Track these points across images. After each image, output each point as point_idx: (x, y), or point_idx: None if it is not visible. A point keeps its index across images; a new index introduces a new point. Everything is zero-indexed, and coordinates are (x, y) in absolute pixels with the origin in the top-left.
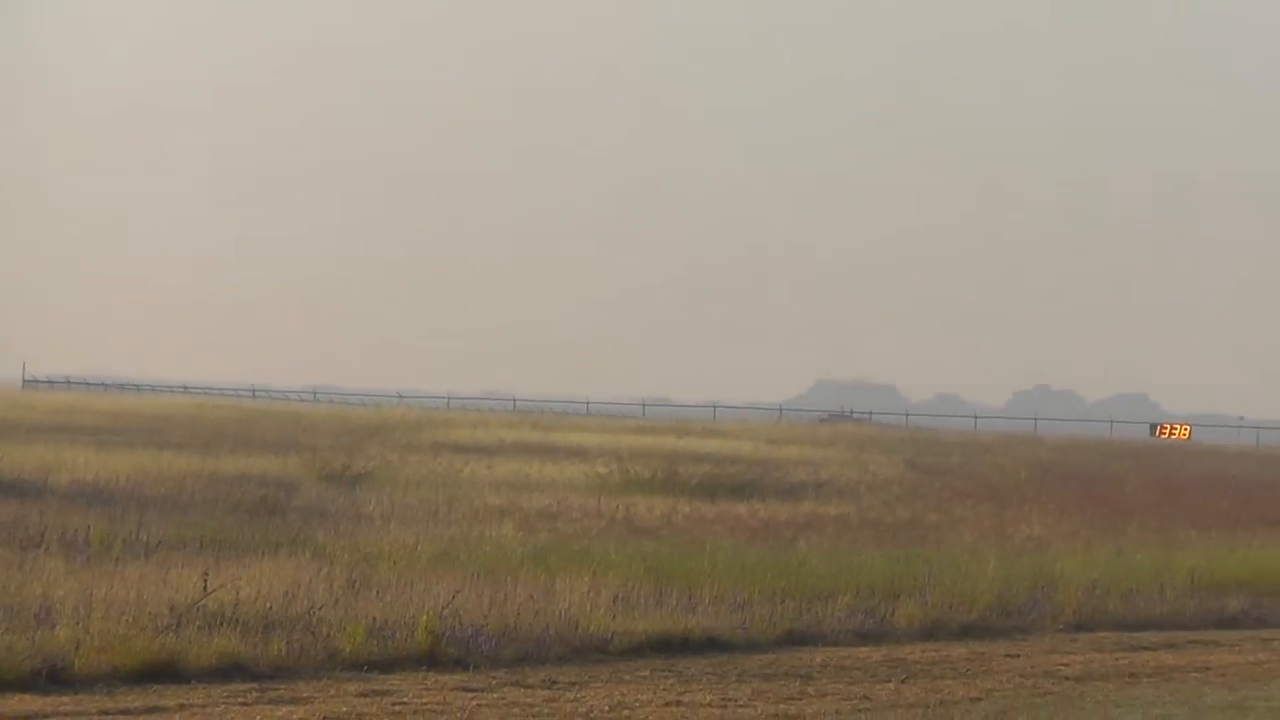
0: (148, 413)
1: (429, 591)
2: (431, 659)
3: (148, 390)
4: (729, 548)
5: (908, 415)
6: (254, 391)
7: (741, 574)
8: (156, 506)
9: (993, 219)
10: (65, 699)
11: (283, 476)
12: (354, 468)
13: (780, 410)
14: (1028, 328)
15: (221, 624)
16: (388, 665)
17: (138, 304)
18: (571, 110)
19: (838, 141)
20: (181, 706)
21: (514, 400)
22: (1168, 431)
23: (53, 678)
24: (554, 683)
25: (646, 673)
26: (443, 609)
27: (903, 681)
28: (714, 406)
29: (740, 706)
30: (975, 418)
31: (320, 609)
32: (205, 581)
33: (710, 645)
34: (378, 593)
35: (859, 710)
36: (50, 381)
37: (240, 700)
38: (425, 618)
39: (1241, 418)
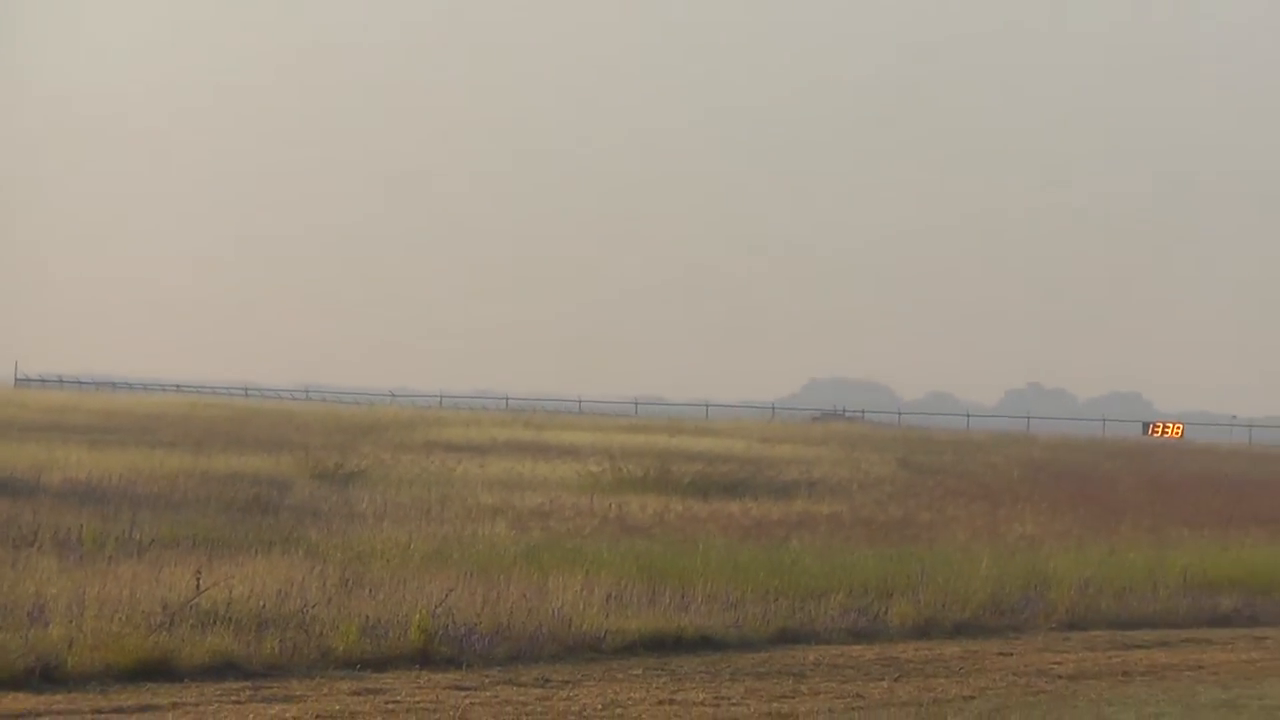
0: (140, 411)
1: (422, 590)
2: (424, 657)
3: (140, 389)
4: (722, 546)
5: (900, 414)
6: (246, 390)
7: (734, 572)
8: (149, 505)
9: (985, 218)
10: (59, 697)
11: (275, 475)
12: (347, 466)
13: (773, 409)
14: (1020, 326)
15: (214, 622)
16: (381, 664)
17: (130, 303)
18: (572, 110)
19: (833, 141)
20: (175, 705)
21: (507, 399)
22: (1160, 430)
23: (46, 676)
24: (547, 681)
25: (639, 671)
26: (436, 607)
27: (896, 680)
28: (706, 405)
29: (733, 705)
30: (968, 416)
31: (313, 607)
32: (198, 580)
33: (703, 644)
34: (370, 591)
35: (852, 709)
36: (43, 380)
37: (233, 699)
38: (418, 616)
39: (1234, 416)
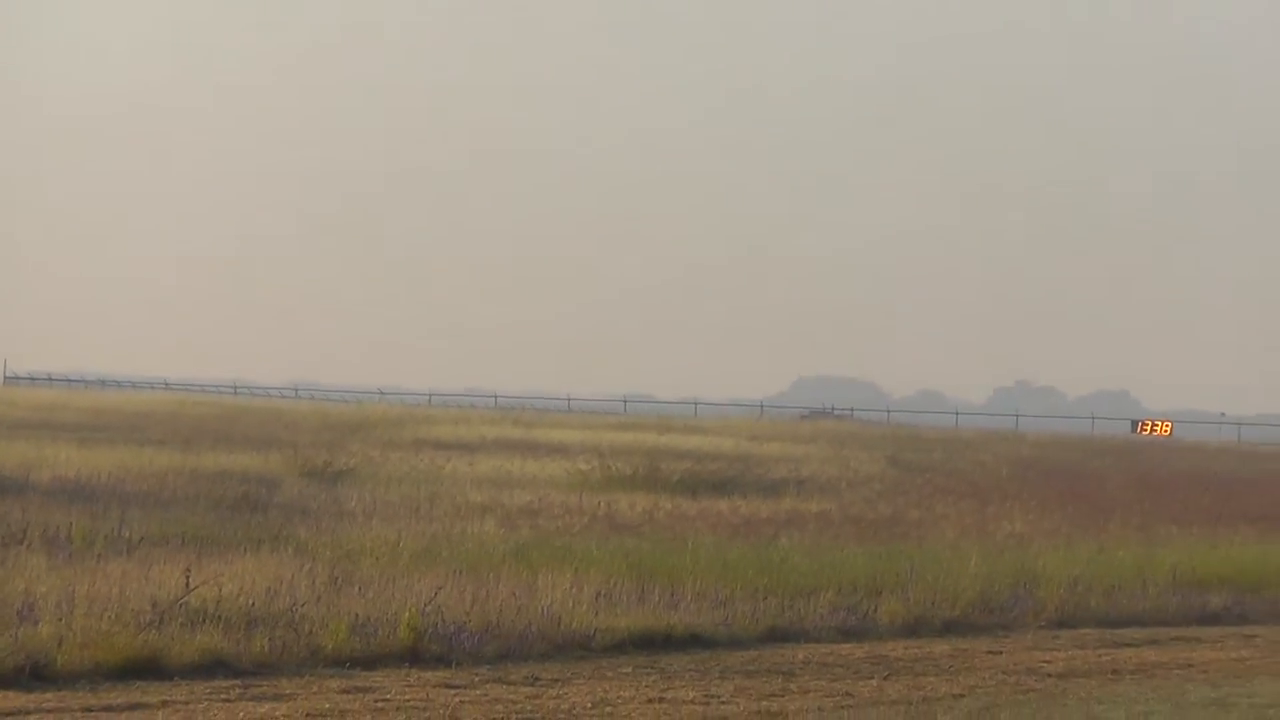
0: (129, 409)
1: (411, 588)
2: (414, 656)
3: (129, 387)
4: (711, 544)
5: (889, 412)
6: (235, 388)
7: (723, 571)
8: (138, 503)
9: (975, 218)
10: (48, 696)
11: (264, 473)
12: (336, 464)
13: (761, 407)
14: (1009, 325)
15: (204, 621)
16: (370, 662)
17: (119, 301)
18: (571, 110)
19: (828, 141)
20: (164, 703)
21: (496, 397)
22: (1149, 428)
23: (35, 674)
24: (536, 679)
25: (629, 670)
26: (425, 606)
27: (885, 678)
28: (695, 403)
29: (723, 703)
30: (956, 414)
31: (302, 606)
32: (187, 578)
33: (693, 642)
34: (360, 589)
35: (841, 707)
36: (32, 378)
37: (223, 697)
38: (407, 614)
39: (1223, 414)
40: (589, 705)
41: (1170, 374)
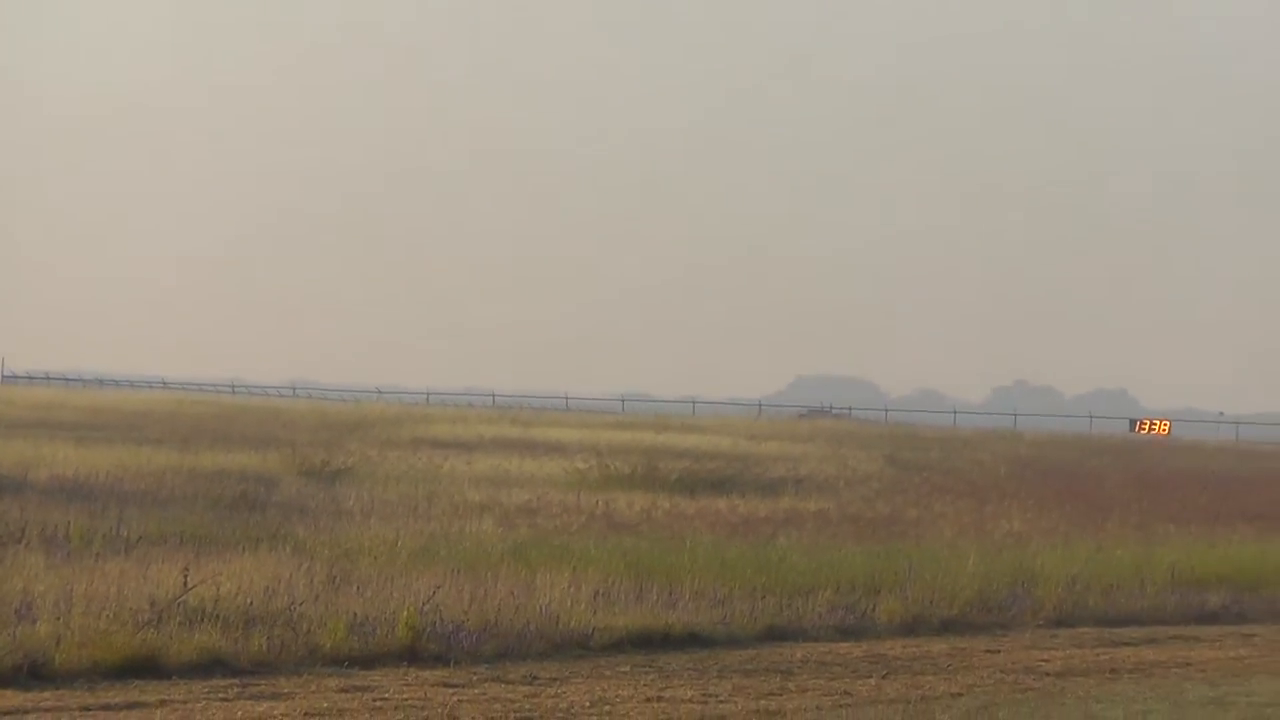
0: (127, 408)
1: (409, 587)
2: (412, 654)
3: (127, 386)
4: (709, 543)
5: (887, 411)
6: (233, 387)
7: (722, 569)
8: (136, 502)
9: (974, 218)
10: (46, 694)
11: (262, 472)
12: (334, 463)
13: (760, 406)
14: (1007, 324)
15: (202, 619)
16: (368, 661)
17: (118, 300)
18: (572, 110)
19: (827, 141)
20: (162, 702)
21: (493, 396)
22: (1147, 427)
23: (34, 673)
24: (535, 678)
25: (627, 668)
26: (423, 605)
27: (883, 677)
28: (693, 402)
29: (721, 702)
30: (955, 413)
31: (301, 605)
32: (186, 577)
33: (691, 641)
34: (358, 588)
35: (840, 706)
36: (29, 377)
37: (221, 696)
38: (406, 613)
39: (1221, 413)
40: (587, 704)
41: (1168, 373)
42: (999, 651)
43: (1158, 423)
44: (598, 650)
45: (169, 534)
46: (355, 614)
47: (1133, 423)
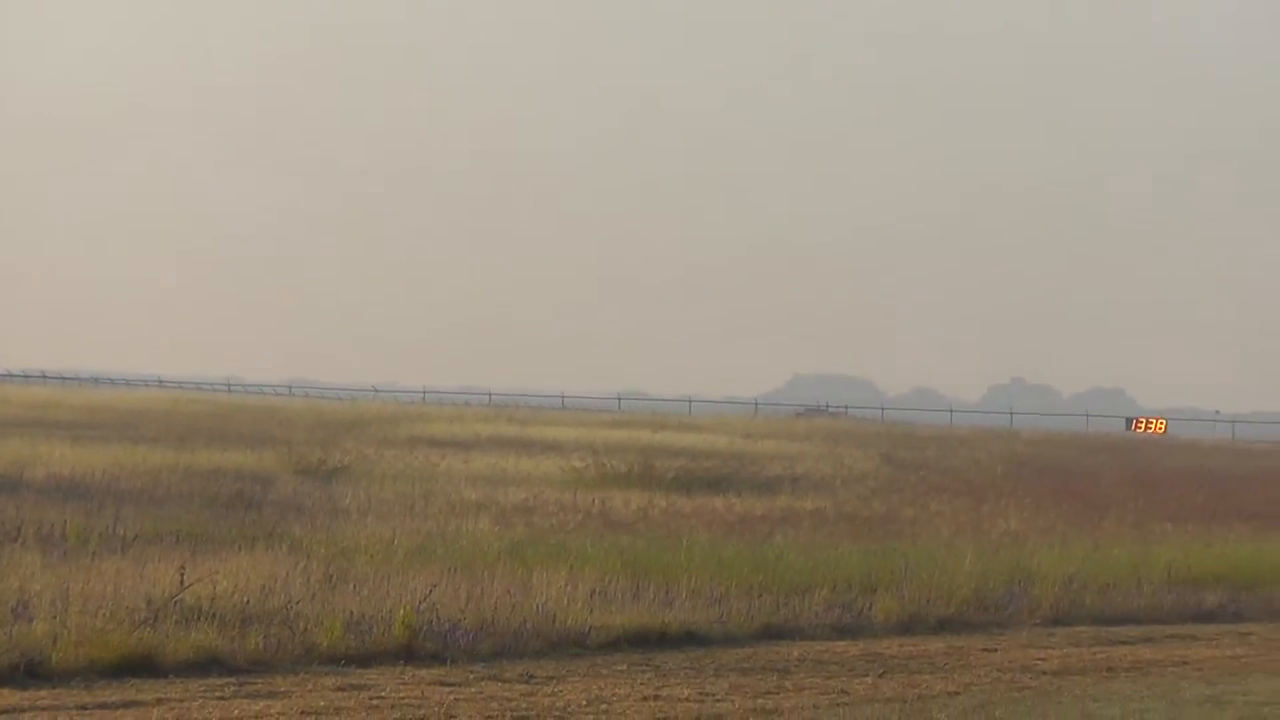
0: (123, 407)
1: (406, 586)
2: (409, 653)
3: (123, 384)
4: (705, 542)
5: (883, 409)
6: (229, 385)
7: (718, 568)
8: (132, 501)
9: (970, 217)
10: (43, 693)
11: (258, 471)
12: (330, 462)
13: (756, 404)
14: (1004, 322)
15: (198, 618)
16: (365, 659)
17: (114, 299)
18: (573, 110)
19: (827, 140)
20: (159, 701)
21: (490, 395)
22: (1143, 425)
23: (30, 672)
24: (531, 677)
25: (624, 667)
26: (420, 603)
27: (880, 676)
28: (689, 400)
29: (718, 701)
30: (951, 412)
31: (297, 603)
32: (182, 576)
33: (688, 639)
34: (355, 587)
35: (837, 704)
36: (25, 375)
37: (218, 694)
38: (402, 612)
39: (1217, 411)
40: (584, 703)
41: (1165, 372)
42: (996, 650)
43: (1154, 421)
44: (594, 649)
45: (165, 533)
46: (352, 613)
47: (1129, 421)
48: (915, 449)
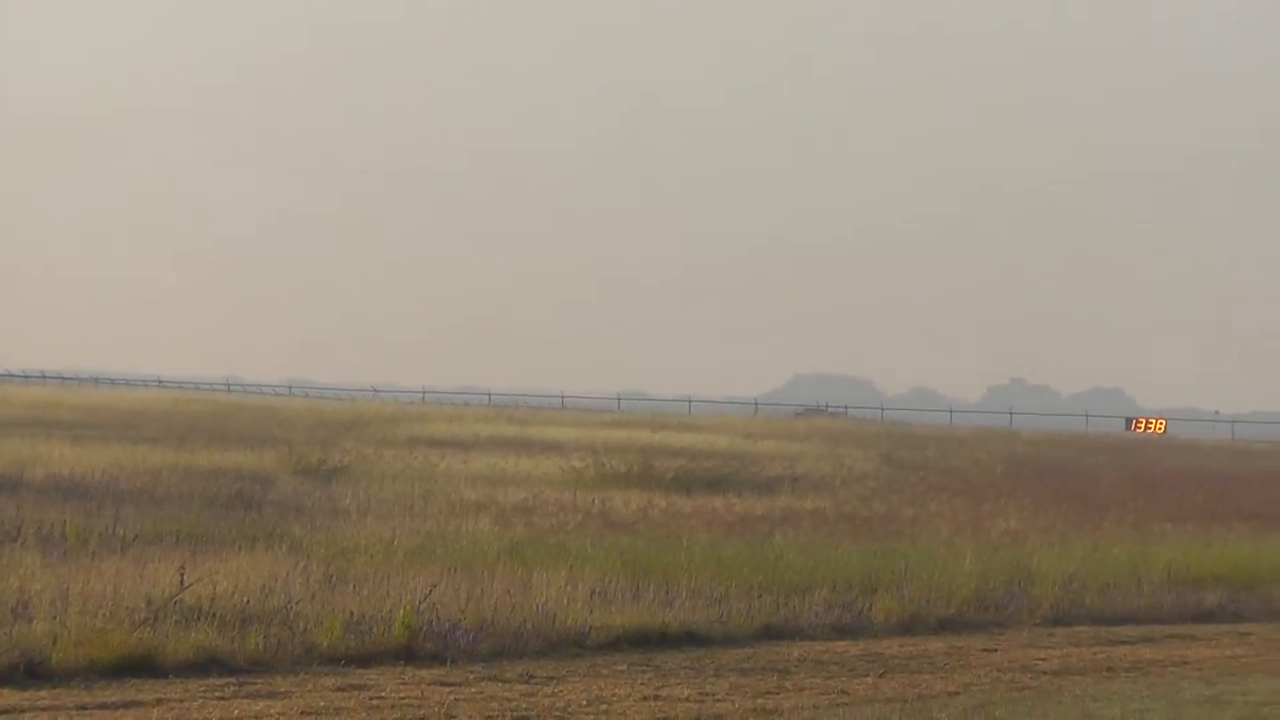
0: (122, 407)
1: (406, 586)
2: (409, 653)
3: (122, 384)
4: (705, 542)
5: (883, 410)
6: (229, 385)
7: (718, 568)
8: (132, 500)
9: (970, 217)
10: (43, 693)
11: (258, 471)
12: (330, 462)
13: (756, 404)
14: (1004, 323)
15: (198, 618)
16: (365, 660)
17: (114, 298)
18: (573, 110)
19: (827, 140)
20: (159, 701)
21: (489, 395)
22: (1143, 425)
23: (30, 672)
24: (531, 677)
25: (624, 667)
26: (420, 603)
27: (880, 676)
28: (689, 400)
29: (718, 701)
30: (951, 412)
31: (297, 603)
32: (182, 576)
33: (688, 639)
34: (354, 587)
35: (837, 704)
36: (25, 375)
37: (218, 695)
38: (402, 612)
39: (1217, 412)
40: (584, 703)
41: (1164, 372)
42: (996, 650)
43: (1154, 421)
44: (594, 649)
45: (165, 533)
46: (352, 613)
47: (1129, 421)
48: (915, 449)
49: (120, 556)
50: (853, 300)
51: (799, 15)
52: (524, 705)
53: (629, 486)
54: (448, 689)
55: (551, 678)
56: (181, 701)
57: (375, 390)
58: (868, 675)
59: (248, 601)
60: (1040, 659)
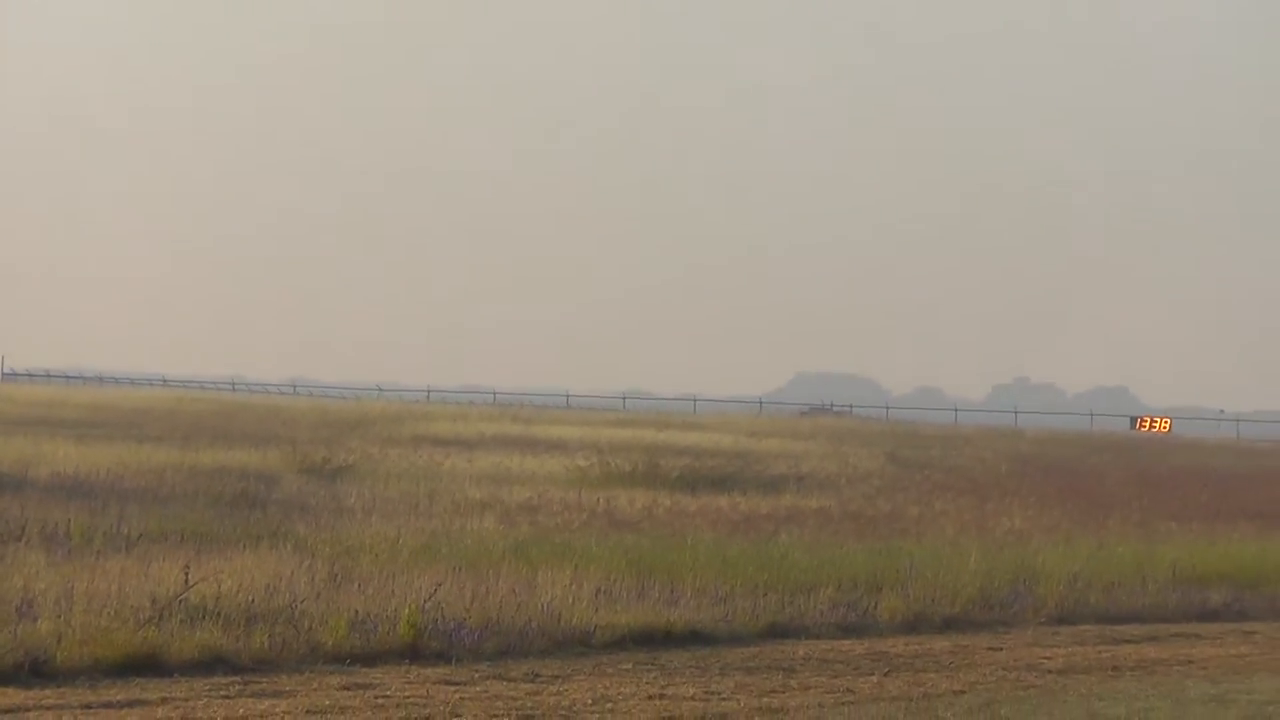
0: (127, 406)
1: (411, 585)
2: (414, 652)
3: (127, 383)
4: (710, 541)
5: (888, 408)
6: (233, 384)
7: (723, 567)
8: (137, 499)
9: (974, 216)
10: (47, 692)
11: (263, 469)
12: (334, 461)
13: (760, 403)
14: (1008, 322)
15: (203, 617)
16: (370, 658)
17: (118, 297)
18: (572, 109)
19: (827, 139)
20: (163, 700)
21: (494, 393)
22: (1148, 424)
23: (34, 671)
24: (536, 676)
25: (629, 666)
26: (424, 602)
27: (885, 674)
28: (694, 399)
29: (723, 700)
30: (955, 411)
31: (302, 602)
32: (187, 574)
33: (693, 638)
34: (359, 586)
35: (842, 703)
36: (30, 374)
37: (222, 693)
38: (407, 611)
39: (1221, 410)
40: (589, 702)
41: (1169, 371)
42: (1001, 649)
43: (1158, 420)
44: (599, 648)
45: (170, 531)
46: (357, 611)
47: (1134, 420)
48: (920, 448)
49: (125, 555)
50: (856, 299)
51: (799, 15)
52: (529, 704)
53: (634, 485)
54: (453, 688)
55: (556, 676)
56: (186, 700)
57: (380, 389)
58: (873, 674)
59: (252, 600)
60: (1045, 658)
